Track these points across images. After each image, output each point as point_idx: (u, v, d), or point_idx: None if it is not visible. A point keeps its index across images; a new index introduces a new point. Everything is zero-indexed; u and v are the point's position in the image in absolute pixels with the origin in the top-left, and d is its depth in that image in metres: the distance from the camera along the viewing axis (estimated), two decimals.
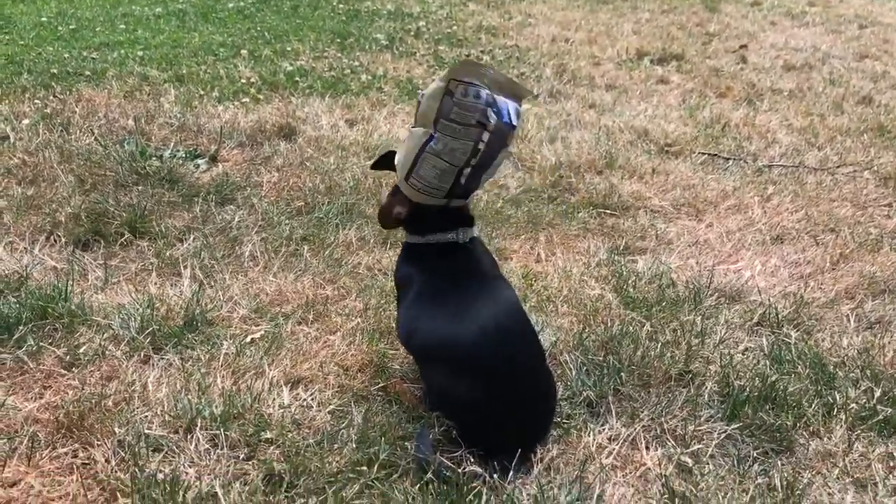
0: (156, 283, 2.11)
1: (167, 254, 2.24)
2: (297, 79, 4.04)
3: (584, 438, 1.62)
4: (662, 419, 1.67)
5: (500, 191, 2.90)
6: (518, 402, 1.53)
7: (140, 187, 2.64)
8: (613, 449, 1.60)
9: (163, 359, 1.79)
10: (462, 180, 1.56)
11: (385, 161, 1.69)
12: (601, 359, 1.86)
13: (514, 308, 1.58)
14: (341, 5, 5.90)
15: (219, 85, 3.85)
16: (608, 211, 2.79)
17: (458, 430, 1.57)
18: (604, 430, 1.65)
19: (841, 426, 1.67)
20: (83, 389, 1.65)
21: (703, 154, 3.40)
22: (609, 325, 2.00)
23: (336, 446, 1.53)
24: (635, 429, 1.65)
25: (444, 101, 1.50)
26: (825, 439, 1.65)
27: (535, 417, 1.59)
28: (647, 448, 1.61)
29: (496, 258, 2.35)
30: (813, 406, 1.72)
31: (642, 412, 1.69)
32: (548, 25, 5.78)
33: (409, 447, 1.53)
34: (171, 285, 2.11)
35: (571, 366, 1.85)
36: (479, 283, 1.62)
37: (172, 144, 3.10)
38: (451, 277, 1.63)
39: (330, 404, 1.66)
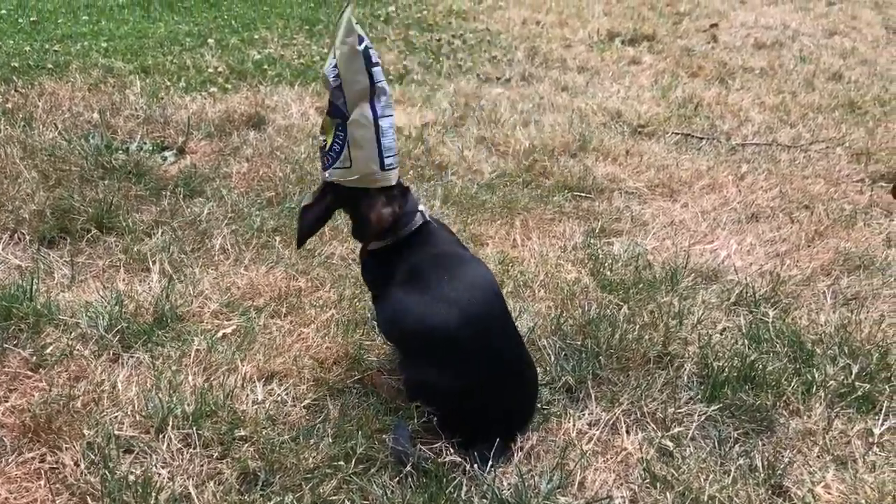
0: (124, 280, 2.06)
1: (135, 249, 2.19)
2: (266, 67, 3.98)
3: (565, 424, 1.60)
4: (642, 403, 1.66)
5: (474, 176, 2.87)
6: (501, 390, 1.51)
7: (106, 182, 2.58)
8: (594, 434, 1.58)
9: (132, 357, 1.74)
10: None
11: (318, 214, 1.63)
12: (579, 343, 1.84)
13: (493, 292, 1.55)
14: None
15: (186, 75, 3.78)
16: (583, 194, 2.77)
17: (438, 419, 1.54)
18: (584, 415, 1.64)
19: (820, 404, 1.67)
20: (50, 391, 1.61)
21: (677, 134, 3.39)
22: (586, 308, 1.98)
23: (312, 441, 1.50)
24: (615, 413, 1.63)
25: (362, 53, 1.44)
26: (805, 417, 1.64)
27: (517, 405, 1.57)
28: (628, 432, 1.60)
29: (472, 244, 2.34)
30: (792, 385, 1.71)
31: (622, 396, 1.68)
32: (518, 8, 5.74)
33: (386, 440, 1.50)
34: (140, 281, 2.06)
35: (550, 351, 1.83)
36: (457, 263, 1.59)
37: (139, 137, 3.03)
38: (428, 259, 1.59)
39: (305, 399, 1.63)
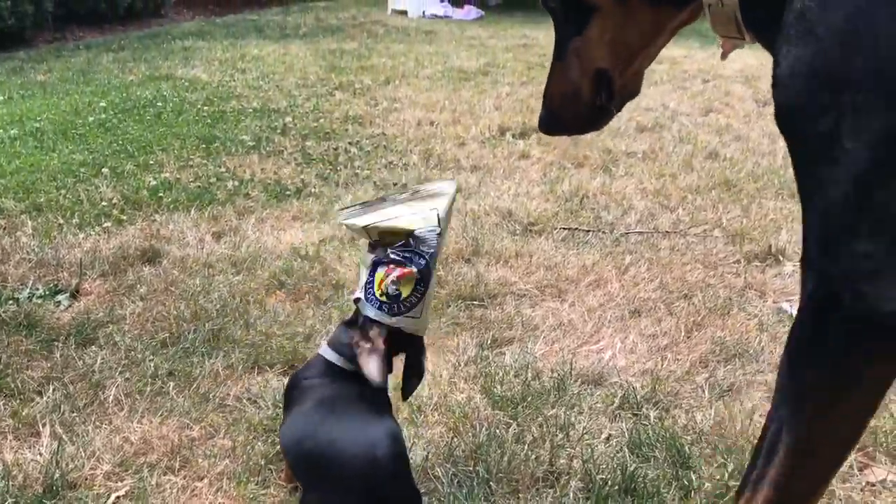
0: (12, 448, 2.03)
1: (24, 412, 2.16)
2: (161, 194, 4.00)
3: None
4: None
5: None
6: None
7: None
8: None
9: None
10: None
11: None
12: (471, 468, 1.90)
13: (396, 442, 1.61)
14: (206, 107, 5.90)
15: (80, 210, 3.77)
16: (476, 302, 2.87)
17: None
18: None
19: None
20: None
21: (564, 229, 3.55)
22: (478, 430, 2.05)
23: None
24: None
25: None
26: None
27: None
28: None
29: None
30: (671, 490, 1.80)
31: None
32: (413, 109, 5.94)
33: None
34: (29, 447, 2.03)
35: (443, 479, 1.88)
36: (368, 403, 1.67)
37: (31, 283, 3.00)
38: (343, 394, 1.68)
39: None
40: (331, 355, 1.74)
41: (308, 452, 1.60)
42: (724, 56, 1.54)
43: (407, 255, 1.64)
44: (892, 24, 0.99)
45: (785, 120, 1.11)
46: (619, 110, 1.65)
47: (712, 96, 6.39)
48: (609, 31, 1.52)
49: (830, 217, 1.05)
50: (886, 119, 0.99)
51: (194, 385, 2.29)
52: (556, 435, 2.01)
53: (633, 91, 1.66)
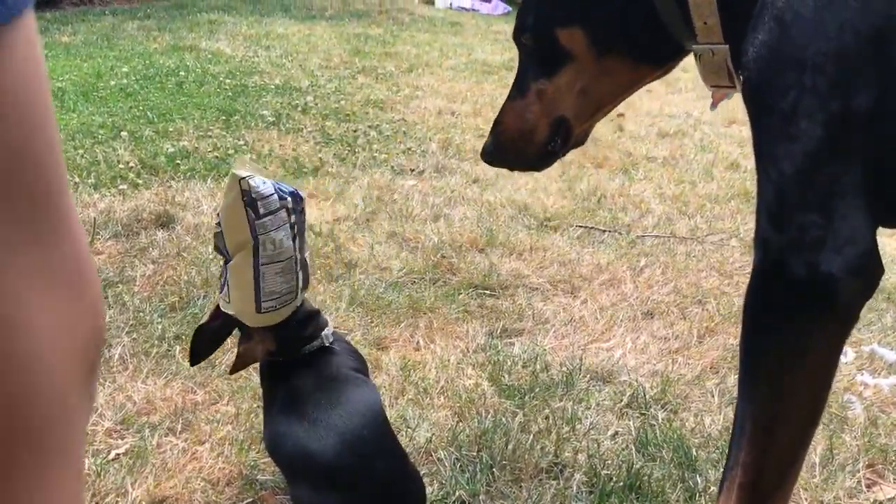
0: None
1: None
2: (178, 161, 3.99)
3: None
4: None
5: (382, 274, 2.92)
6: None
7: None
8: None
9: None
10: (300, 267, 1.58)
11: (211, 336, 1.69)
12: (475, 454, 1.88)
13: (375, 415, 1.58)
14: (228, 80, 5.88)
15: (96, 170, 3.77)
16: (488, 291, 2.84)
17: None
18: None
19: None
20: None
21: (581, 227, 3.52)
22: (483, 416, 2.03)
23: None
24: None
25: (246, 204, 1.47)
26: None
27: None
28: None
29: (374, 348, 2.37)
30: (676, 491, 1.78)
31: None
32: (435, 98, 5.92)
33: None
34: None
35: (446, 462, 1.86)
36: (343, 387, 1.62)
37: None
38: (315, 383, 1.62)
39: None
40: None
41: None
42: (713, 106, 1.58)
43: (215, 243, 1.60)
44: (857, 14, 1.05)
45: (750, 98, 1.18)
46: (563, 156, 1.64)
47: (736, 107, 6.29)
48: (580, 83, 1.51)
49: (781, 190, 1.12)
50: (841, 101, 1.06)
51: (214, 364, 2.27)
52: (563, 428, 1.98)
53: (582, 140, 1.66)
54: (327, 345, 1.68)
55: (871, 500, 1.83)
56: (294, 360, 1.65)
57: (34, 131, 0.68)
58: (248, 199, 1.47)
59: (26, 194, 0.67)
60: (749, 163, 4.80)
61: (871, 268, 1.13)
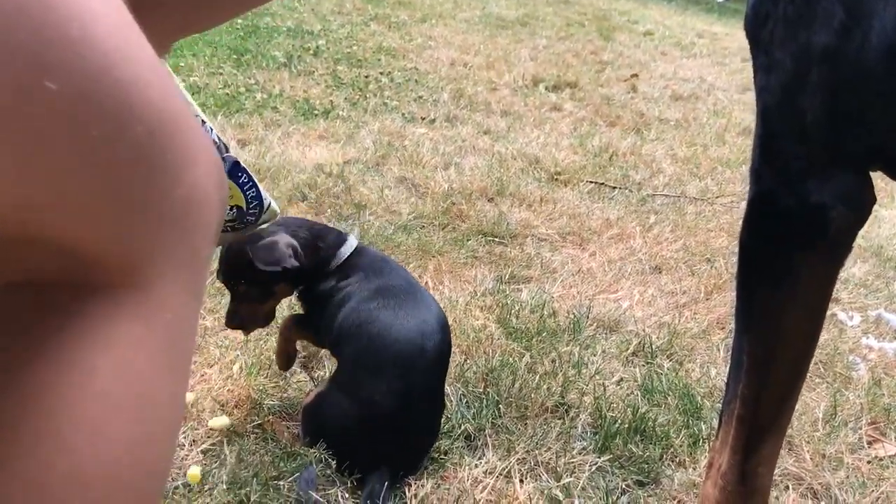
0: None
1: None
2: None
3: (460, 473, 1.64)
4: (537, 452, 1.71)
5: (392, 217, 2.91)
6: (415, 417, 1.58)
7: None
8: (488, 483, 1.62)
9: None
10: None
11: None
12: (481, 391, 1.89)
13: (444, 322, 1.66)
14: (239, 20, 5.80)
15: None
16: (497, 239, 2.84)
17: (336, 450, 1.58)
18: (480, 463, 1.67)
19: (705, 456, 1.74)
20: None
21: (591, 183, 3.51)
22: (490, 356, 2.03)
23: (207, 488, 1.49)
24: (510, 462, 1.67)
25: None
26: (690, 470, 1.72)
27: (419, 442, 1.63)
28: (521, 481, 1.64)
29: None
30: (680, 437, 1.79)
31: (518, 445, 1.72)
32: (448, 49, 5.85)
33: (281, 487, 1.51)
34: None
35: (452, 398, 1.87)
36: (407, 286, 1.70)
37: None
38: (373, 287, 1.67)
39: (203, 443, 1.62)
40: None
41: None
42: None
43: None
44: None
45: (746, 29, 1.17)
46: None
47: (750, 75, 6.26)
48: None
49: (767, 121, 1.14)
50: (807, 33, 1.05)
51: (211, 278, 2.27)
52: (569, 371, 1.99)
53: None
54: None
55: (872, 455, 1.85)
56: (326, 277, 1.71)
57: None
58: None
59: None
60: None
61: (862, 197, 1.12)
